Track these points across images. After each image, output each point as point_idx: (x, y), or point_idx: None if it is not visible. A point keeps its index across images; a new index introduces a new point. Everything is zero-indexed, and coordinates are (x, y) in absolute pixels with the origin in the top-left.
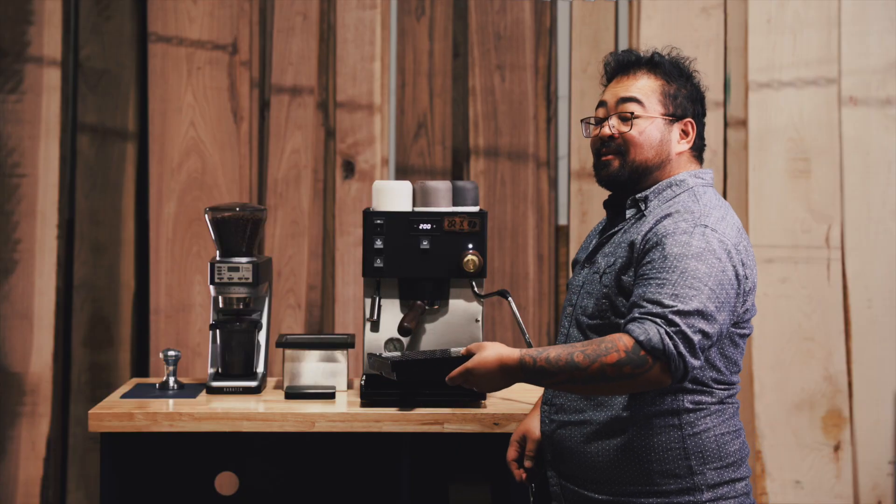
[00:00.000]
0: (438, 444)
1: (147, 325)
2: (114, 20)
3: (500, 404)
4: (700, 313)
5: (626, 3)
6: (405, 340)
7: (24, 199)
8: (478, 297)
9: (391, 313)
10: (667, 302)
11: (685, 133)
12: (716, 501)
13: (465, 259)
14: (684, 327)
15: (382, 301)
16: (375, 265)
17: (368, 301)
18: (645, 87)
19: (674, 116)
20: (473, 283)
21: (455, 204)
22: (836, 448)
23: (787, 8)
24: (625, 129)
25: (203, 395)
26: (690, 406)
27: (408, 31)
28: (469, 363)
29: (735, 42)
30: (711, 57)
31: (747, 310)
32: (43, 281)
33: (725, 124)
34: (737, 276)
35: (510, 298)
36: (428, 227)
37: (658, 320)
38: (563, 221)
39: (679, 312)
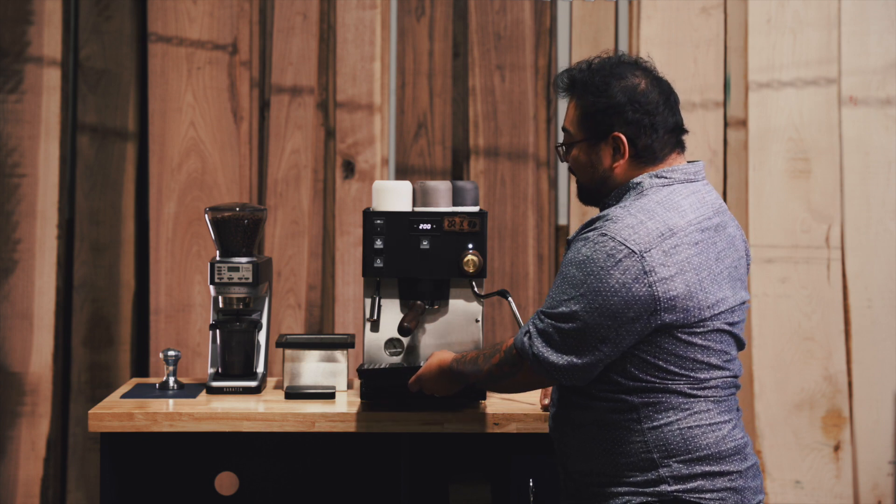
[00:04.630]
0: (438, 444)
1: (147, 325)
2: (114, 20)
3: (500, 404)
4: (566, 316)
5: (626, 3)
6: (405, 340)
7: (24, 199)
8: (478, 297)
9: (391, 313)
10: (547, 303)
11: (617, 148)
12: (687, 494)
13: (465, 259)
14: (547, 327)
15: (382, 301)
16: (375, 265)
17: (368, 301)
18: (570, 114)
19: (595, 137)
20: (473, 283)
21: (455, 204)
22: (836, 448)
23: (787, 8)
24: (567, 157)
25: (203, 395)
26: (639, 401)
27: (408, 31)
28: (420, 370)
29: (735, 42)
30: (711, 57)
31: (688, 311)
32: (43, 281)
33: (725, 124)
34: (625, 284)
35: (510, 298)
36: (428, 227)
37: (532, 320)
38: (563, 221)
39: (548, 314)
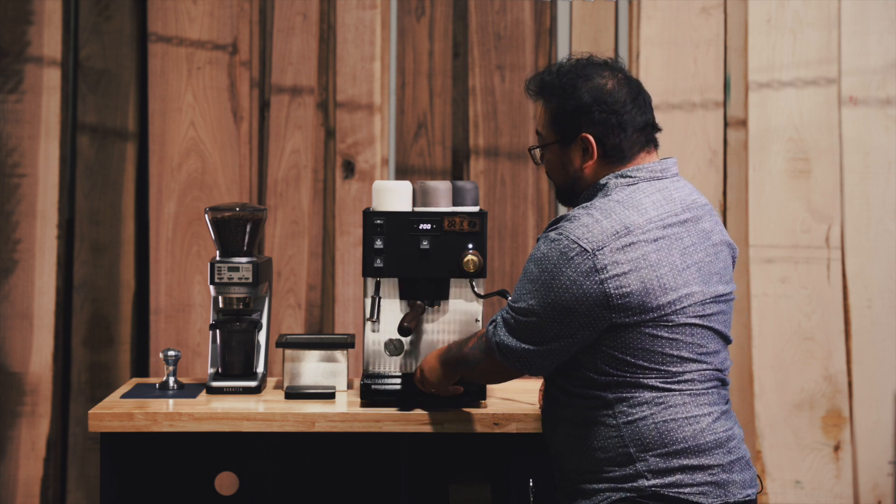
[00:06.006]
0: (438, 444)
1: (147, 325)
2: (114, 20)
3: (500, 404)
4: (524, 311)
5: (626, 3)
6: (405, 340)
7: (24, 199)
8: (478, 297)
9: (391, 313)
10: (513, 297)
11: (586, 149)
12: (665, 489)
13: (465, 259)
14: (510, 318)
15: (382, 301)
16: (375, 265)
17: (368, 301)
18: (541, 118)
19: (564, 139)
20: (473, 283)
21: (455, 204)
22: (836, 448)
23: (787, 8)
24: (541, 160)
25: (203, 395)
26: (612, 396)
27: (408, 31)
28: (420, 363)
29: (735, 42)
30: (711, 57)
31: (644, 308)
32: (43, 281)
33: (725, 124)
34: (576, 281)
35: (510, 298)
36: (428, 227)
37: (500, 312)
38: None
39: (511, 307)
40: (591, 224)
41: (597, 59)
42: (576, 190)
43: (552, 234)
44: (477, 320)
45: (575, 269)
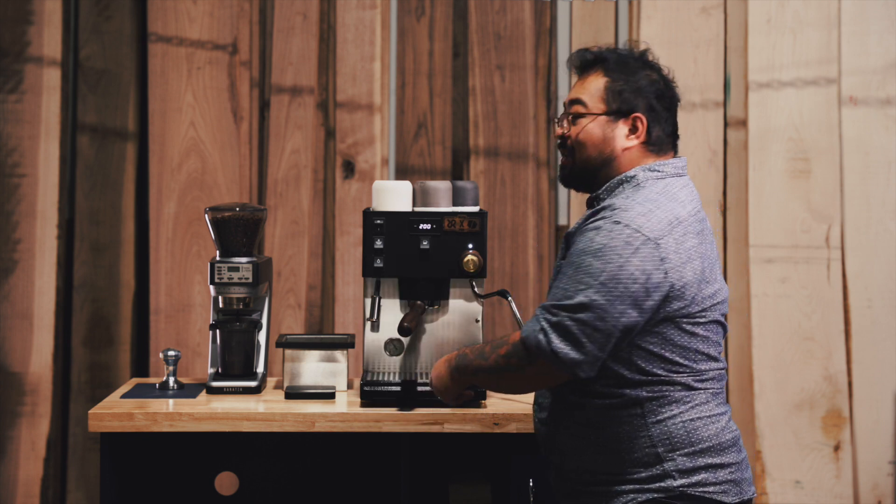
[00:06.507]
0: (438, 444)
1: (147, 325)
2: (114, 20)
3: (500, 404)
4: (583, 306)
5: (626, 3)
6: (405, 340)
7: (24, 199)
8: (478, 297)
9: (391, 313)
10: (557, 295)
11: (634, 129)
12: (692, 488)
13: (465, 259)
14: (564, 319)
15: (382, 301)
16: (375, 265)
17: (368, 301)
18: (591, 87)
19: (617, 113)
20: (473, 283)
21: (455, 204)
22: (836, 448)
23: (787, 8)
24: (571, 129)
25: (203, 395)
26: (646, 395)
27: (408, 31)
28: (431, 373)
29: (735, 42)
30: (711, 57)
31: (694, 300)
32: (43, 281)
33: (725, 124)
34: (644, 271)
35: (510, 298)
36: (428, 227)
37: (542, 315)
38: (563, 221)
39: (562, 306)
40: (646, 213)
41: (646, 57)
42: (600, 173)
43: (605, 224)
44: (477, 320)
45: (642, 258)
